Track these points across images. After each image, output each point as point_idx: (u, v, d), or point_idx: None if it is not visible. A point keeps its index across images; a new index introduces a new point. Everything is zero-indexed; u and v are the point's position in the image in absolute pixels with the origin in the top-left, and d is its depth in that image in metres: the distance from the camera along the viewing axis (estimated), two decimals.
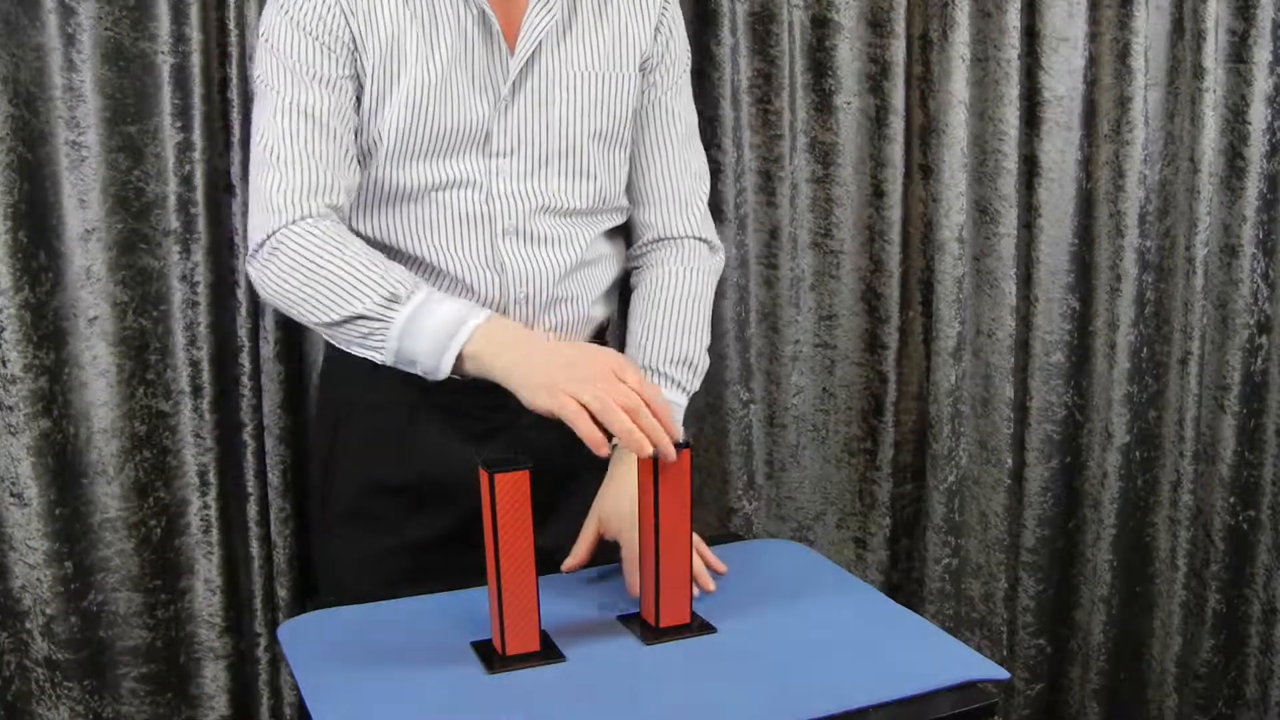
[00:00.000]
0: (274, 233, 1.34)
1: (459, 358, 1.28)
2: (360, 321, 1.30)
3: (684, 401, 1.51)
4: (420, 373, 1.31)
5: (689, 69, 1.61)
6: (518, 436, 1.48)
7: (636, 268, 1.61)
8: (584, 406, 1.19)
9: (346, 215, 1.42)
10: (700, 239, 1.60)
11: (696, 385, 1.52)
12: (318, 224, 1.34)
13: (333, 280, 1.31)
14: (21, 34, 1.64)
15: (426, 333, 1.28)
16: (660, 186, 1.58)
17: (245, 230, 1.64)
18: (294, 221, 1.34)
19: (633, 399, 1.19)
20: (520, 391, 1.25)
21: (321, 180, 1.36)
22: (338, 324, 1.32)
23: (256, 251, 1.36)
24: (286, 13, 1.39)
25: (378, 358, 1.32)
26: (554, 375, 1.23)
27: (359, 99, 1.41)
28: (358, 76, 1.40)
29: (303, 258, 1.32)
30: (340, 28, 1.38)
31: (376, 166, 1.42)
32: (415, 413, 1.48)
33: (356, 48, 1.39)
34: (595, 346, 1.30)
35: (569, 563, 1.41)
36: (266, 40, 1.40)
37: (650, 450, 1.19)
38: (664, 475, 1.22)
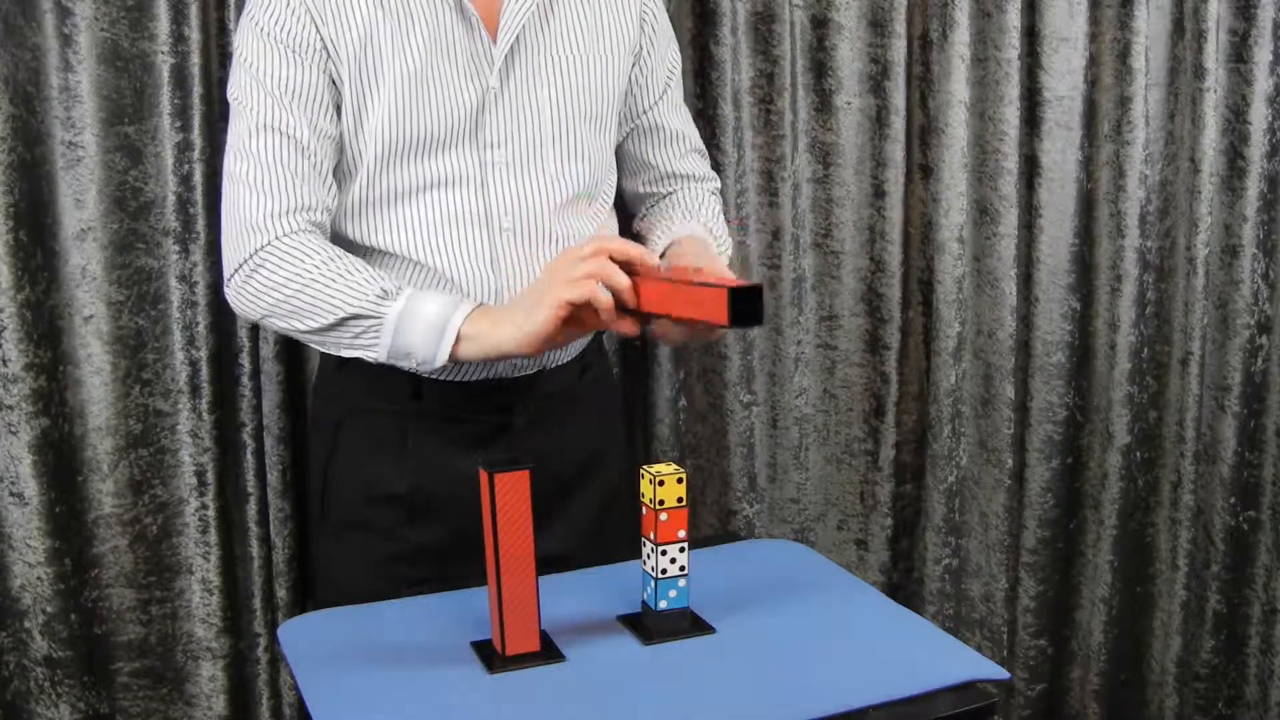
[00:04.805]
0: (256, 251, 1.35)
1: (457, 339, 1.31)
2: (353, 321, 1.33)
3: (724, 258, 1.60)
4: (413, 365, 1.33)
5: (679, 60, 1.66)
6: (513, 443, 1.48)
7: (651, 209, 1.69)
8: (570, 303, 1.26)
9: (328, 231, 1.43)
10: (715, 193, 1.71)
11: (729, 254, 1.62)
12: (300, 237, 1.36)
13: (322, 286, 1.33)
14: (18, 34, 1.64)
15: (420, 324, 1.31)
16: (683, 168, 1.67)
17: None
18: (277, 239, 1.35)
19: (595, 266, 1.25)
20: (519, 341, 1.29)
21: (301, 199, 1.38)
22: (330, 327, 1.34)
23: (235, 273, 1.38)
24: (256, 24, 1.39)
25: (370, 355, 1.34)
26: (533, 302, 1.28)
27: (339, 106, 1.41)
28: (334, 83, 1.40)
29: (289, 269, 1.34)
30: (310, 35, 1.38)
31: (368, 169, 1.42)
32: (411, 421, 1.48)
33: (329, 54, 1.39)
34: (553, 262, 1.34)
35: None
36: (239, 55, 1.41)
37: (630, 331, 1.29)
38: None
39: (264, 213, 1.36)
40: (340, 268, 1.34)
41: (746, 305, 1.20)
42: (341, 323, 1.33)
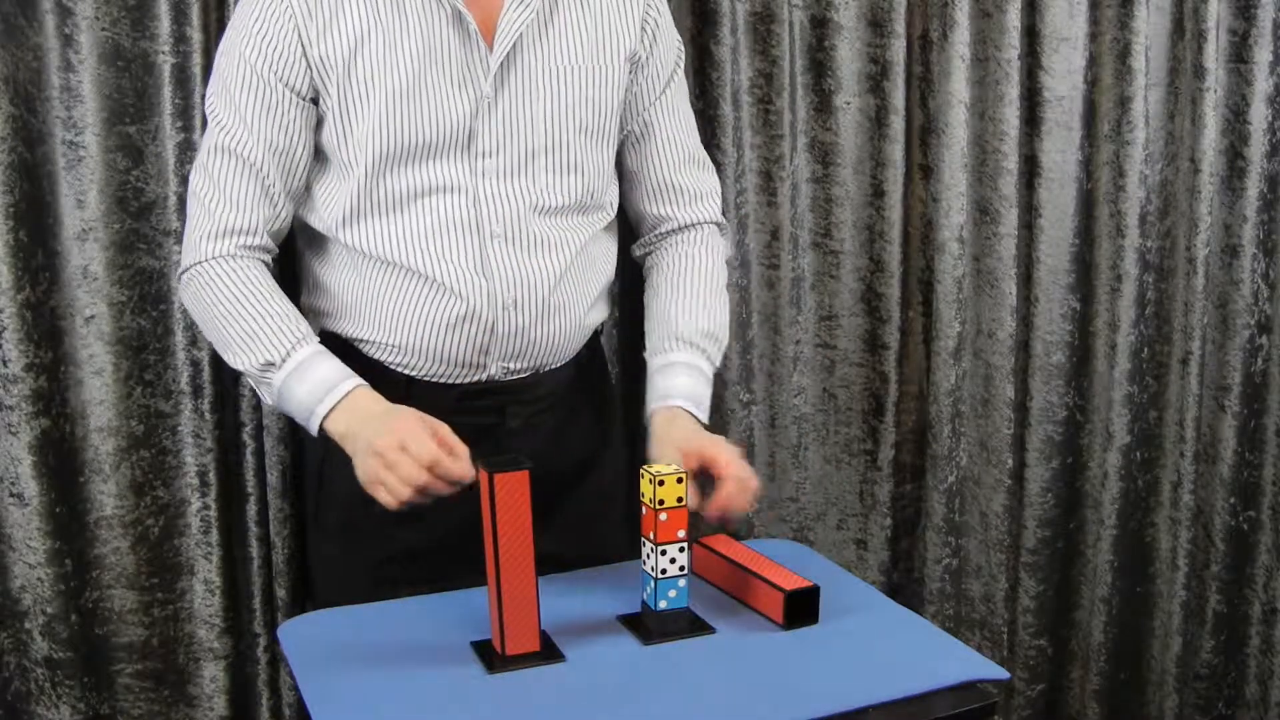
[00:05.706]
0: (191, 265, 1.45)
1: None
2: (244, 373, 1.44)
3: (710, 372, 1.55)
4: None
5: (682, 61, 1.62)
6: (507, 444, 1.47)
7: (650, 252, 1.64)
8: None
9: (271, 249, 1.49)
10: (715, 224, 1.65)
11: (719, 358, 1.57)
12: (224, 267, 1.43)
13: (224, 331, 1.43)
14: (19, 34, 1.64)
15: (296, 400, 1.40)
16: (678, 180, 1.61)
17: None
18: (205, 260, 1.43)
19: (402, 489, 1.28)
20: (352, 459, 1.36)
21: (241, 223, 1.44)
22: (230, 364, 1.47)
23: (181, 273, 1.48)
24: (243, 36, 1.40)
25: (263, 398, 1.47)
26: (365, 450, 1.32)
27: (320, 121, 1.43)
28: (317, 99, 1.43)
29: (208, 296, 1.43)
30: (294, 52, 1.40)
31: (360, 177, 1.42)
32: None
33: (313, 71, 1.40)
34: (403, 425, 1.33)
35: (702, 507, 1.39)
36: (219, 64, 1.45)
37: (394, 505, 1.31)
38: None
39: (202, 232, 1.44)
40: (243, 317, 1.41)
41: (801, 608, 1.29)
42: (236, 368, 1.45)
